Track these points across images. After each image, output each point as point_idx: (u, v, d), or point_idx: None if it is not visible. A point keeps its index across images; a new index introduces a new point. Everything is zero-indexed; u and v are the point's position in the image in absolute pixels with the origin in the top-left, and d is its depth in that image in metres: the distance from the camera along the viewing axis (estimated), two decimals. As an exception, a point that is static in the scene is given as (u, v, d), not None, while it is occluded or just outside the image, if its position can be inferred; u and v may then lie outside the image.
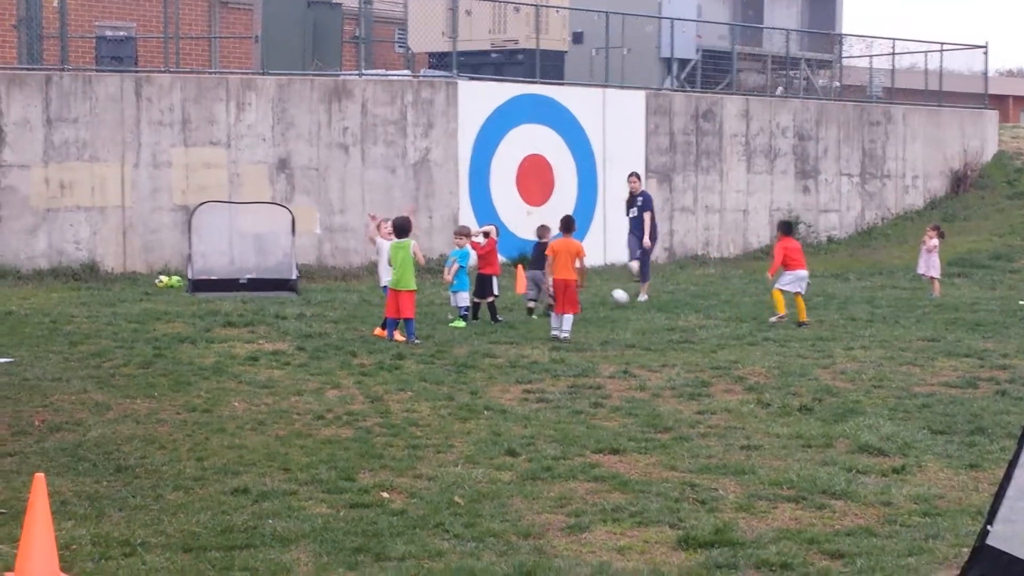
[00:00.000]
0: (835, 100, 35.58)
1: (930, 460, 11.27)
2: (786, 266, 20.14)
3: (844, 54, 38.90)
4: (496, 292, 19.84)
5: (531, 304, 20.36)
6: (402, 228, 17.81)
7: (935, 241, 24.15)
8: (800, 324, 19.47)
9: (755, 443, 11.87)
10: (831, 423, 12.67)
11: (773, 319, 19.77)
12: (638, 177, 24.08)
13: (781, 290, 20.04)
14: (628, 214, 23.70)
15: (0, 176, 23.58)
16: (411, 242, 17.70)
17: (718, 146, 31.75)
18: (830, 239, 33.77)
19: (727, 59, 34.37)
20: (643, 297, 22.57)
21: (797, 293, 20.00)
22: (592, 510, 9.62)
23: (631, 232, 23.53)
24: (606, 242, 29.05)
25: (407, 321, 17.42)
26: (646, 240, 23.10)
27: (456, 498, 9.83)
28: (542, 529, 9.18)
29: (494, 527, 9.13)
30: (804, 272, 20.39)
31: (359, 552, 8.53)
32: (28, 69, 25.00)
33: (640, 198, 23.46)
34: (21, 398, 13.22)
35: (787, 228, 21.08)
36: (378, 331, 17.80)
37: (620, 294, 21.64)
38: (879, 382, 14.92)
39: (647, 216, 23.22)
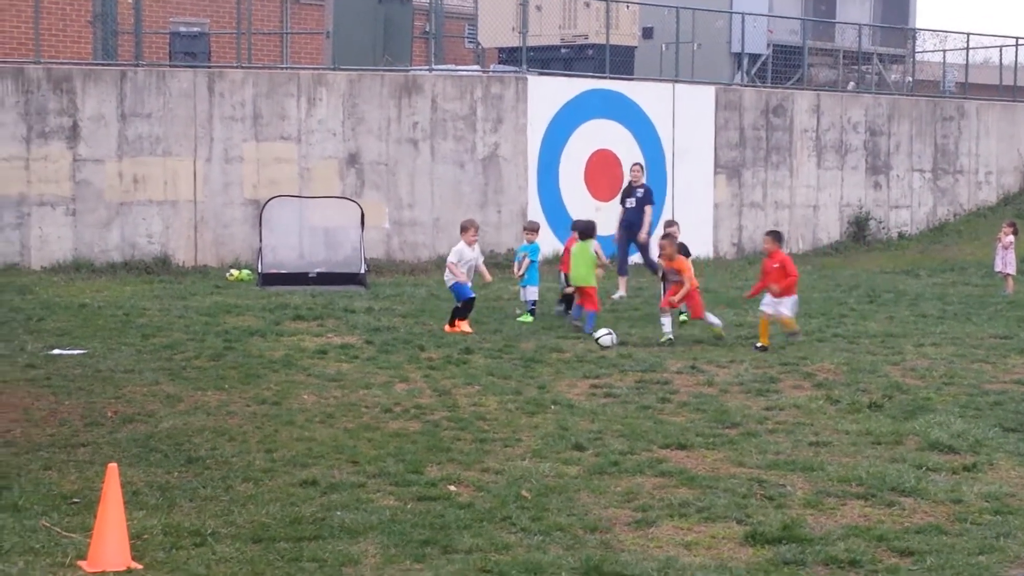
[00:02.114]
0: (907, 95, 35.25)
1: (1001, 458, 11.16)
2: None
3: (917, 49, 38.54)
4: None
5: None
6: (585, 231, 18.56)
7: (1011, 238, 23.85)
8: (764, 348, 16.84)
9: (824, 440, 11.80)
10: (901, 420, 12.57)
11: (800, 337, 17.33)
12: (641, 168, 23.41)
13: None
14: (623, 203, 22.98)
15: (75, 170, 23.88)
16: (593, 242, 18.51)
17: (788, 141, 31.54)
18: (901, 235, 33.46)
19: (798, 54, 34.13)
20: (620, 295, 22.07)
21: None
22: (659, 505, 9.61)
23: (622, 225, 22.78)
24: (675, 237, 28.95)
25: (590, 313, 18.06)
26: (642, 234, 22.51)
27: (523, 492, 9.85)
28: (609, 523, 9.18)
29: (561, 521, 9.15)
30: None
31: (426, 545, 8.57)
32: (103, 65, 25.31)
33: (641, 189, 22.79)
34: (94, 389, 13.39)
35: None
36: (448, 327, 17.87)
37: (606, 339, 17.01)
38: (950, 379, 14.78)
39: (648, 209, 22.61)
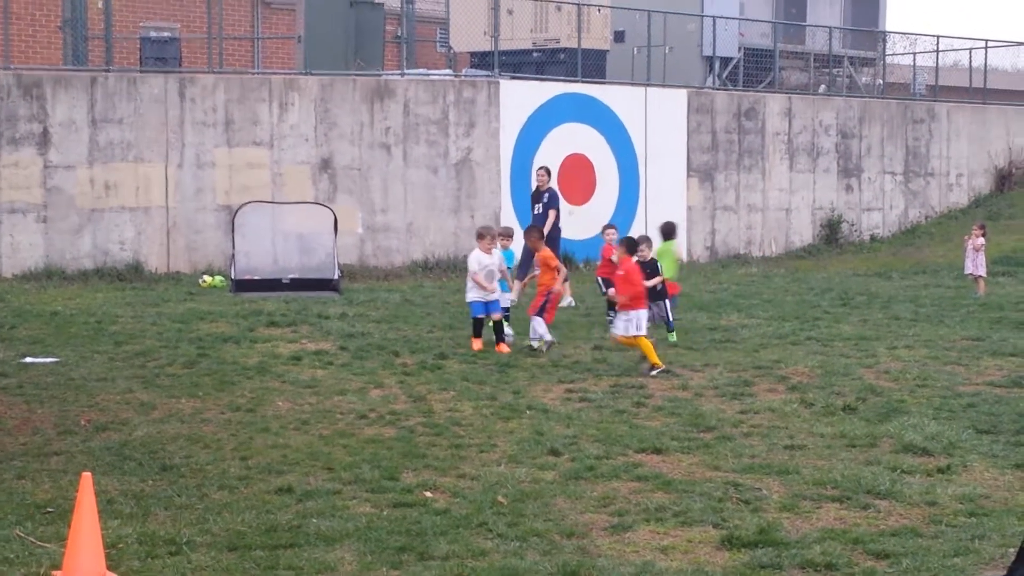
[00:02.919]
0: (878, 98, 35.39)
1: (975, 460, 11.20)
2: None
3: (887, 51, 38.71)
4: None
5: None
6: (668, 232, 19.55)
7: (982, 240, 23.95)
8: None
9: (799, 443, 11.83)
10: (875, 423, 12.61)
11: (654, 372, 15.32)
12: (548, 172, 22.89)
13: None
14: (533, 210, 22.50)
15: (46, 177, 23.76)
16: (675, 242, 19.64)
17: (760, 144, 31.63)
18: (873, 238, 33.61)
19: (769, 57, 34.23)
20: (569, 301, 21.22)
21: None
22: (635, 510, 9.62)
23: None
24: (648, 241, 29.00)
25: (672, 297, 18.56)
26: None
27: (499, 498, 9.85)
28: (585, 529, 9.19)
29: (537, 527, 9.14)
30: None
31: (403, 551, 8.56)
32: (73, 70, 25.18)
33: (547, 194, 22.35)
34: (67, 398, 13.32)
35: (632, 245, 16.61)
36: (477, 344, 16.93)
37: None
38: (923, 381, 14.83)
39: (552, 214, 22.00)
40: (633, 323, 15.60)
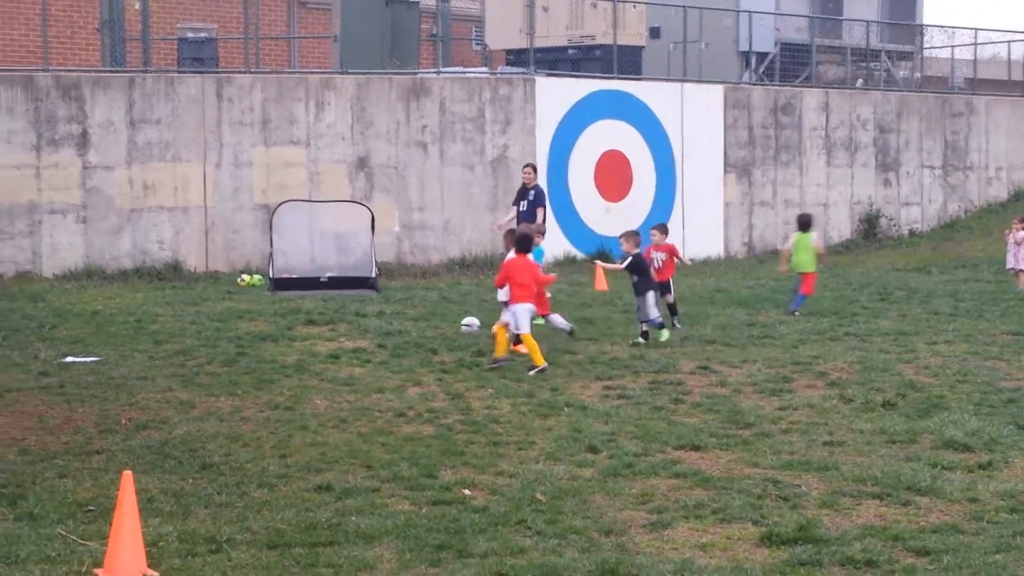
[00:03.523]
0: (916, 92, 35.19)
1: (1017, 456, 11.14)
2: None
3: (925, 45, 38.48)
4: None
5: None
6: (806, 223, 20.61)
7: (1023, 234, 23.79)
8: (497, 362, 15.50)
9: (838, 439, 11.78)
10: (915, 419, 12.55)
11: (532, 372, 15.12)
12: (533, 169, 22.66)
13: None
14: (517, 206, 22.30)
15: (85, 177, 23.91)
16: (812, 234, 20.48)
17: (797, 139, 31.51)
18: (912, 232, 33.43)
19: (806, 52, 34.10)
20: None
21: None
22: (674, 507, 9.60)
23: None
24: (685, 237, 28.96)
25: (802, 295, 20.00)
26: (538, 238, 21.13)
27: (538, 495, 9.85)
28: (624, 526, 9.18)
29: (576, 524, 9.15)
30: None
31: (441, 549, 8.58)
32: (112, 71, 25.33)
33: (532, 191, 22.16)
34: (108, 397, 13.41)
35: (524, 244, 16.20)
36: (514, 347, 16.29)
37: (472, 321, 18.05)
38: (963, 377, 14.74)
39: (539, 212, 21.85)
40: (514, 317, 15.46)
